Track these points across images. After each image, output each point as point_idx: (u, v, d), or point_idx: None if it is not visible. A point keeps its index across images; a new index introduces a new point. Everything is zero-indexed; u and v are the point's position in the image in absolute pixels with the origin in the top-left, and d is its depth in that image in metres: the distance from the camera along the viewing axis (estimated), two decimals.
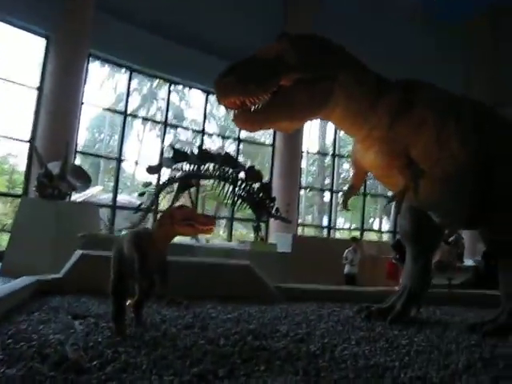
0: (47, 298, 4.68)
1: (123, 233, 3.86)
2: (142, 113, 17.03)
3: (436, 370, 3.36)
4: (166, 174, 11.19)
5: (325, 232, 17.71)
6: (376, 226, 22.93)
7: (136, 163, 13.27)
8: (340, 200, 18.44)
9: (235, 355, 3.32)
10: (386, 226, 20.97)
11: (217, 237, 17.51)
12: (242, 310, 5.08)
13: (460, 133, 4.51)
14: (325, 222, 19.34)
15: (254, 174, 11.69)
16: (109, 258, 5.43)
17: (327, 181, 20.76)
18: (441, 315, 5.66)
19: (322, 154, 18.58)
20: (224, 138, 16.36)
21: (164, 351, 3.23)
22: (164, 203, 11.48)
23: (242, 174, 11.50)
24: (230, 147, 17.28)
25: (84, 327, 3.69)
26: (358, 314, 5.22)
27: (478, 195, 4.73)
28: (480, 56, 16.41)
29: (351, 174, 5.18)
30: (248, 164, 12.63)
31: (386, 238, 17.18)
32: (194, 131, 14.93)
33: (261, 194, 11.48)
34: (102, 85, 13.13)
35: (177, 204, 3.20)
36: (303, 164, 17.03)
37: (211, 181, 11.37)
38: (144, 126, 15.96)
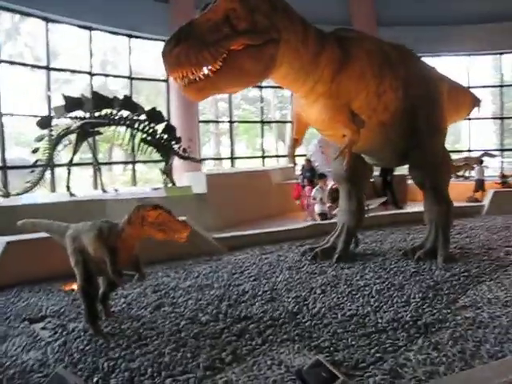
0: None
1: (79, 224, 3.48)
2: (7, 51, 14.70)
3: (402, 307, 3.77)
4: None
5: (225, 163, 17.80)
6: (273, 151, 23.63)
7: (12, 115, 11.43)
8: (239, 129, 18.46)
9: (226, 332, 3.34)
10: (281, 149, 21.65)
11: (118, 181, 16.64)
12: (194, 273, 5.04)
13: (394, 83, 4.74)
14: (222, 152, 19.32)
15: (156, 115, 11.05)
16: (37, 241, 4.93)
17: (222, 107, 20.45)
18: (371, 243, 6.21)
19: None
20: (108, 75, 14.98)
21: (155, 345, 3.12)
22: (64, 156, 10.38)
23: (143, 117, 10.78)
24: (116, 82, 15.96)
25: (51, 333, 3.37)
26: (304, 257, 5.51)
27: (406, 137, 5.10)
28: None
29: (293, 128, 5.17)
30: (141, 103, 11.74)
31: (282, 162, 17.78)
32: (79, 72, 13.37)
33: (166, 136, 11.00)
34: None
35: (150, 205, 2.90)
36: None
37: (112, 127, 10.50)
38: (15, 68, 13.80)
